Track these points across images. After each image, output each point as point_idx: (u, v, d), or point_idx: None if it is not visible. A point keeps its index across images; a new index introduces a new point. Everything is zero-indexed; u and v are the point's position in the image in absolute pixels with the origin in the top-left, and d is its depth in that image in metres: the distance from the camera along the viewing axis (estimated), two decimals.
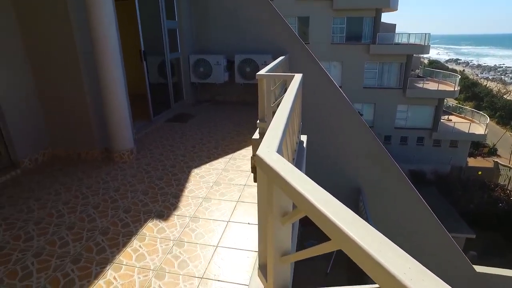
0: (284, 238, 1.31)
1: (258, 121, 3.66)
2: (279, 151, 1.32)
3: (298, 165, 3.09)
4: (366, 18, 19.68)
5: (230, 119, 5.99)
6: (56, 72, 3.98)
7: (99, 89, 3.93)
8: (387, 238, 0.79)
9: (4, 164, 3.88)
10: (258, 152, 1.23)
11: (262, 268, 1.51)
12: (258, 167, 1.26)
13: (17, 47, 3.85)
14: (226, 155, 4.27)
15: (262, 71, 3.57)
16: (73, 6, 3.71)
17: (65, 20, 3.72)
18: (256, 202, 3.08)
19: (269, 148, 1.27)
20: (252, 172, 3.70)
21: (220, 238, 2.60)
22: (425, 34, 20.06)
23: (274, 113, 3.62)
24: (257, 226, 2.72)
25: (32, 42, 3.90)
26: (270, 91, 3.38)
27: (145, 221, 2.83)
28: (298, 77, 3.11)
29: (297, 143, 3.11)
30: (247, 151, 4.33)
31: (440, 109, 20.77)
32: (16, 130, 3.86)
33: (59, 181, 3.63)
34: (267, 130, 1.46)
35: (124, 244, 2.53)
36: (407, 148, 21.64)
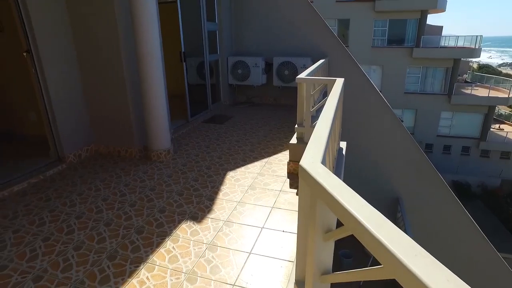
0: (325, 256, 1.22)
1: (296, 126, 3.58)
2: (323, 161, 1.23)
3: (336, 173, 2.97)
4: (410, 20, 18.85)
5: (267, 122, 5.94)
6: (101, 72, 4.14)
7: (140, 89, 4.04)
8: (455, 275, 0.68)
9: (53, 158, 4.10)
10: (302, 163, 1.15)
11: (299, 285, 1.42)
12: (301, 178, 1.17)
13: (69, 50, 4.06)
14: (262, 158, 4.22)
15: (302, 75, 3.48)
16: (119, 9, 3.84)
17: (112, 22, 3.86)
18: (292, 209, 3.00)
19: (313, 158, 1.18)
20: (288, 177, 3.61)
21: (254, 245, 2.53)
22: (476, 36, 18.79)
23: (313, 118, 3.52)
24: (292, 234, 2.64)
25: (81, 43, 4.09)
26: (309, 96, 3.28)
27: (179, 222, 2.84)
28: (340, 82, 2.98)
29: (337, 150, 2.98)
30: (284, 156, 4.25)
31: (490, 117, 19.38)
32: (64, 127, 4.06)
33: (100, 178, 3.76)
34: (311, 138, 1.37)
35: (158, 245, 2.54)
36: (450, 157, 20.43)
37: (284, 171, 3.79)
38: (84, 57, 4.14)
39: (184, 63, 5.50)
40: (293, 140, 3.63)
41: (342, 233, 1.07)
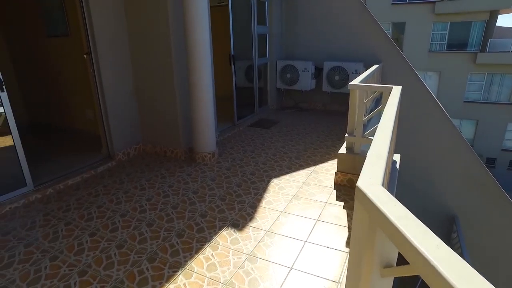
0: None
1: (346, 135, 3.37)
2: (383, 182, 1.06)
3: (390, 189, 2.72)
4: (475, 22, 17.35)
5: (314, 128, 5.73)
6: (152, 74, 4.25)
7: (189, 90, 4.07)
8: None
9: (104, 155, 4.29)
10: (360, 184, 0.99)
11: None
12: (358, 201, 1.02)
13: (125, 53, 4.23)
14: (308, 167, 4.04)
15: (355, 81, 3.26)
16: (173, 13, 3.91)
17: (164, 25, 3.94)
18: (338, 223, 2.80)
19: (372, 179, 1.02)
20: (335, 189, 3.40)
21: (296, 260, 2.38)
22: None
23: (364, 126, 3.29)
24: (337, 251, 2.45)
25: (136, 47, 4.23)
26: (362, 104, 3.06)
27: (220, 228, 2.78)
28: (397, 90, 2.73)
29: (391, 164, 2.74)
30: (331, 165, 4.03)
31: None
32: (116, 126, 4.23)
33: (146, 177, 3.84)
34: (368, 155, 1.20)
35: (197, 250, 2.49)
36: None
37: (331, 182, 3.59)
38: (137, 60, 4.28)
39: (233, 66, 5.50)
40: (342, 150, 3.42)
41: (406, 272, 0.90)
